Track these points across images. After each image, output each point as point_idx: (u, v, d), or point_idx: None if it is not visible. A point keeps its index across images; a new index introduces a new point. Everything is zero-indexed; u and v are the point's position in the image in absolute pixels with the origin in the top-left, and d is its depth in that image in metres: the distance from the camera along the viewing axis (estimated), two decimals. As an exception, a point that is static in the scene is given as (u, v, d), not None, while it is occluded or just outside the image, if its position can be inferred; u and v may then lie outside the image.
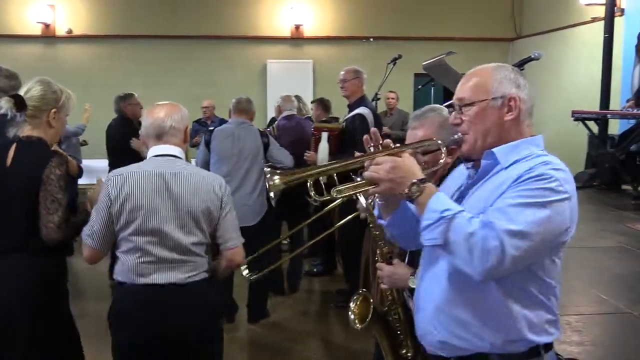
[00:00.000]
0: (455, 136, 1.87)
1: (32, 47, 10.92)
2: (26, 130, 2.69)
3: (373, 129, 1.90)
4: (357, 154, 1.87)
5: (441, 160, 1.93)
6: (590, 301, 3.50)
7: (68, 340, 2.84)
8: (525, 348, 1.78)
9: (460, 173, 2.01)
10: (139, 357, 2.60)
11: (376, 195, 1.84)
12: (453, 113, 1.87)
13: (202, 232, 2.64)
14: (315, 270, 6.59)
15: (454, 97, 1.88)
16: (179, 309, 2.56)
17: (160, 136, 2.65)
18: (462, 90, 1.86)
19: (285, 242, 6.07)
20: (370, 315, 2.65)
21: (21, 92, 2.71)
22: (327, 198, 1.81)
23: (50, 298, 2.71)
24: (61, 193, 2.63)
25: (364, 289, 2.85)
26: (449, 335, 1.83)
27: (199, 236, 2.63)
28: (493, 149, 1.81)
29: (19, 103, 2.63)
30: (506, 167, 1.78)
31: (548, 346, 1.82)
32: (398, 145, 1.86)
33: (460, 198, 1.87)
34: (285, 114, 6.18)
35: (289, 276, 5.92)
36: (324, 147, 5.36)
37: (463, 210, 1.68)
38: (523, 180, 1.69)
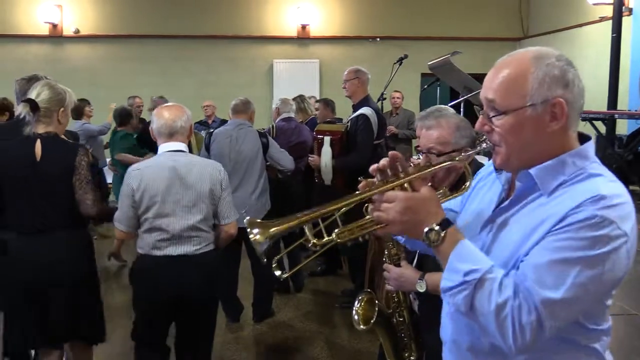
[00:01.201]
0: (484, 145, 1.54)
1: (39, 47, 10.98)
2: (41, 128, 3.11)
3: (393, 153, 1.53)
4: (362, 183, 1.53)
5: (467, 183, 1.64)
6: (595, 302, 3.48)
7: (101, 306, 3.40)
8: None
9: (491, 180, 1.68)
10: (156, 310, 3.20)
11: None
12: (480, 117, 1.51)
13: (208, 211, 3.19)
14: (319, 269, 6.59)
15: (481, 94, 1.51)
16: (187, 274, 3.11)
17: (171, 135, 3.17)
18: (492, 87, 1.47)
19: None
20: (374, 317, 2.63)
21: (32, 96, 3.10)
22: (328, 241, 1.53)
23: (90, 266, 3.29)
24: (90, 176, 3.13)
25: (369, 290, 2.83)
26: None
27: (205, 215, 3.17)
28: (530, 170, 1.46)
29: (34, 107, 3.06)
30: (549, 194, 1.44)
31: None
32: (413, 172, 1.51)
33: (488, 223, 1.56)
34: (283, 116, 6.18)
35: (293, 276, 5.91)
36: (326, 150, 5.34)
37: (492, 268, 1.38)
38: (567, 225, 1.35)
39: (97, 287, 3.38)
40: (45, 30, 10.93)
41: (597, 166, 1.47)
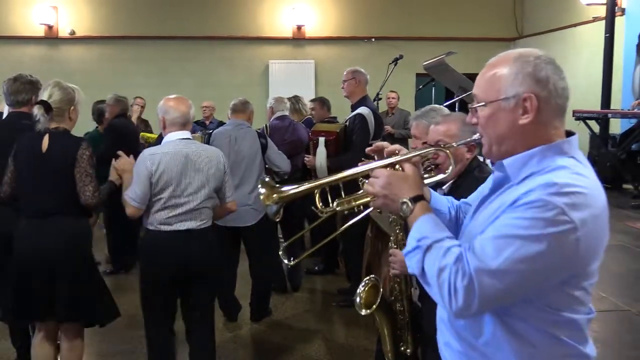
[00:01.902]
0: (475, 136, 1.69)
1: (35, 49, 10.98)
2: (53, 124, 3.42)
3: (378, 144, 1.79)
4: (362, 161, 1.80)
5: (448, 170, 1.79)
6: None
7: (103, 286, 3.66)
8: None
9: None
10: (164, 279, 3.52)
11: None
12: (470, 111, 1.67)
13: (212, 192, 3.59)
14: (316, 268, 6.62)
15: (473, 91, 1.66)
16: (192, 246, 3.50)
17: (184, 124, 3.58)
18: (478, 83, 1.62)
19: (281, 239, 6.09)
20: (377, 303, 2.66)
21: (44, 97, 3.41)
22: (330, 210, 1.77)
23: (86, 250, 3.56)
24: (92, 169, 3.38)
25: (375, 276, 2.84)
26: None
27: (210, 195, 3.58)
28: (503, 161, 1.59)
29: (47, 108, 3.36)
30: (518, 183, 1.54)
31: None
32: (402, 154, 1.72)
33: (474, 213, 1.70)
34: (277, 114, 6.20)
35: (290, 275, 5.95)
36: (321, 151, 5.38)
37: (445, 239, 1.51)
38: (517, 206, 1.45)
39: (93, 273, 3.61)
40: (40, 31, 10.94)
41: (570, 160, 1.52)
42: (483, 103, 1.58)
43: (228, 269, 5.08)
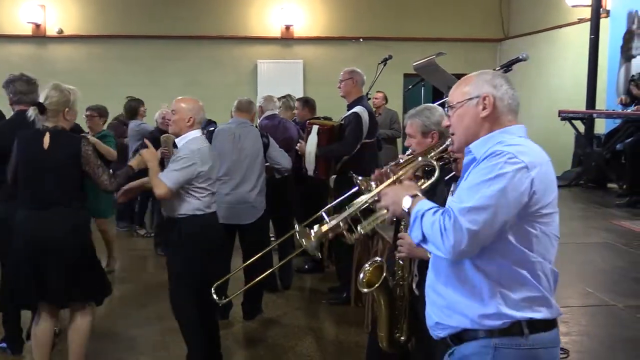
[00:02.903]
0: (448, 142, 2.21)
1: (22, 47, 10.93)
2: (50, 123, 3.69)
3: (378, 172, 2.38)
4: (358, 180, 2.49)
5: (433, 178, 2.25)
6: (577, 294, 3.61)
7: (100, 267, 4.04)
8: (505, 323, 1.88)
9: None
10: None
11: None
12: (446, 118, 2.16)
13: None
14: (306, 267, 6.67)
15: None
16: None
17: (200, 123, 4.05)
18: (450, 96, 2.09)
19: (272, 238, 6.14)
20: (379, 283, 2.71)
21: (42, 99, 3.70)
22: (358, 235, 2.29)
23: (88, 240, 3.87)
24: (99, 160, 3.73)
25: (382, 259, 2.87)
26: (440, 314, 2.01)
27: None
28: (469, 145, 2.02)
29: (42, 110, 3.65)
30: (481, 160, 1.91)
31: (535, 324, 1.90)
32: (398, 174, 2.23)
33: (453, 193, 2.19)
34: (267, 113, 6.23)
35: (280, 274, 5.99)
36: (312, 138, 5.45)
37: (434, 207, 1.89)
38: (477, 163, 1.90)
39: (91, 258, 3.88)
40: (28, 30, 10.88)
41: (518, 138, 1.95)
42: (455, 104, 2.05)
43: (221, 266, 5.10)
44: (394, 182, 2.17)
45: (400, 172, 2.24)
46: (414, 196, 1.98)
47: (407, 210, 1.96)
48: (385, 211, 2.10)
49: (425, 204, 1.92)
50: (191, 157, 3.78)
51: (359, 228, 2.24)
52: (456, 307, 1.95)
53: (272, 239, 6.18)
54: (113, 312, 5.32)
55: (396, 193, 2.03)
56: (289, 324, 5.21)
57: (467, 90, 2.03)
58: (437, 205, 1.91)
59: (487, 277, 1.89)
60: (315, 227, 2.27)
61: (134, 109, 7.78)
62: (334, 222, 2.24)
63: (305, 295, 6.08)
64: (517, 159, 1.82)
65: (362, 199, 2.21)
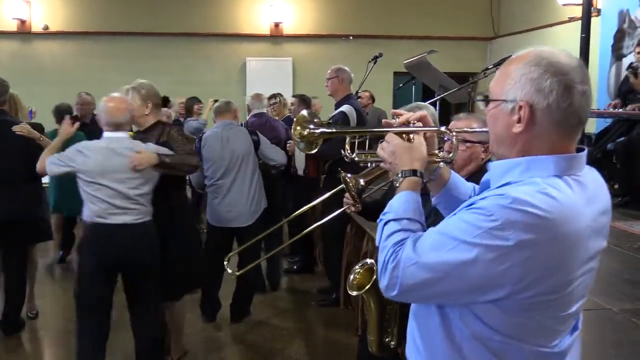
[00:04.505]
0: (485, 129, 1.61)
1: (7, 44, 10.76)
2: None
3: (393, 111, 1.84)
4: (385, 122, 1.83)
5: (451, 154, 1.77)
6: (570, 298, 3.55)
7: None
8: None
9: None
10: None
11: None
12: None
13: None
14: (295, 267, 6.59)
15: None
16: None
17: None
18: (495, 76, 1.54)
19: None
20: (370, 285, 2.61)
21: None
22: (350, 155, 1.89)
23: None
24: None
25: (373, 261, 2.78)
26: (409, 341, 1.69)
27: None
28: (491, 163, 1.54)
29: None
30: (486, 196, 1.42)
31: None
32: (418, 124, 1.73)
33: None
34: (254, 112, 6.17)
35: (269, 274, 5.91)
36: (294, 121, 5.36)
37: (402, 220, 1.52)
38: (466, 207, 1.42)
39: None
40: (13, 26, 10.70)
41: (553, 180, 1.40)
42: (489, 98, 1.51)
43: (217, 270, 5.01)
44: (403, 136, 1.70)
45: (420, 126, 1.74)
46: (409, 172, 1.61)
47: (395, 184, 1.63)
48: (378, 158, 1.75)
49: (402, 202, 1.56)
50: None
51: (355, 154, 1.90)
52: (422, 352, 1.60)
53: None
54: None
55: (397, 151, 1.65)
56: (277, 326, 5.12)
57: (504, 84, 1.46)
58: (409, 217, 1.54)
59: (449, 335, 1.50)
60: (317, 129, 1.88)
61: (189, 106, 8.21)
62: (331, 130, 1.90)
63: (293, 297, 5.99)
64: (504, 234, 1.32)
65: (372, 129, 1.96)
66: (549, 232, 1.33)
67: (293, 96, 7.13)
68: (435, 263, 1.38)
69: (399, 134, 1.70)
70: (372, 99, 8.92)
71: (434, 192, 1.83)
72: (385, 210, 1.58)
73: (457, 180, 1.83)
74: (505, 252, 1.32)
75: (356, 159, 1.88)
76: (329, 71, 5.40)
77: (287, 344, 4.77)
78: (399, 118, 1.76)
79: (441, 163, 1.78)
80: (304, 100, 6.80)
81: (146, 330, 3.81)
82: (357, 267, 2.73)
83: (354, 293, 2.67)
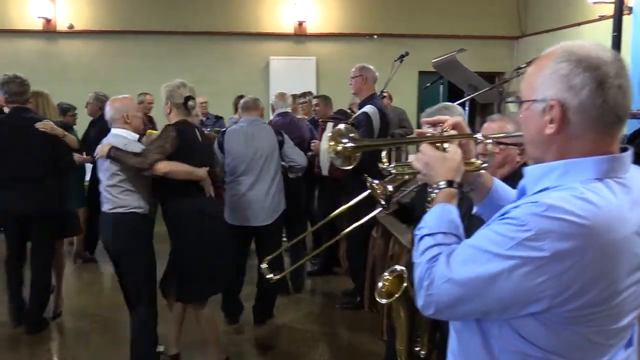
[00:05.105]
0: (520, 132, 1.53)
1: (32, 43, 10.80)
2: None
3: (431, 119, 1.76)
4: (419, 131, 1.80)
5: (485, 164, 1.69)
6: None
7: None
8: None
9: None
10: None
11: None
12: None
13: None
14: (315, 268, 6.50)
15: None
16: None
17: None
18: (525, 76, 1.45)
19: (285, 239, 6.00)
20: (399, 293, 2.51)
21: None
22: (388, 168, 1.84)
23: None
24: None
25: (404, 267, 2.68)
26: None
27: None
28: (526, 168, 1.45)
29: None
30: (521, 204, 1.34)
31: None
32: (452, 131, 1.68)
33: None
34: (278, 111, 6.11)
35: (292, 276, 5.83)
36: (327, 135, 5.31)
37: (437, 234, 1.45)
38: (499, 217, 1.34)
39: None
40: (38, 25, 10.74)
41: (594, 184, 1.30)
42: (522, 100, 1.42)
43: (235, 268, 4.96)
44: (436, 144, 1.64)
45: (449, 134, 1.69)
46: (449, 183, 1.54)
47: (432, 195, 1.58)
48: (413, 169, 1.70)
49: (436, 216, 1.50)
50: None
51: (392, 165, 1.85)
52: None
53: (284, 239, 6.03)
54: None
55: (431, 163, 1.58)
56: (300, 329, 5.04)
57: (534, 83, 1.38)
58: (443, 230, 1.46)
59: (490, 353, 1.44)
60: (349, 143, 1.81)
61: (234, 105, 8.13)
62: (365, 143, 1.93)
63: (317, 299, 5.91)
64: (538, 244, 1.24)
65: (405, 139, 1.97)
66: (587, 240, 1.24)
67: (315, 97, 7.06)
68: (468, 279, 1.32)
69: (433, 143, 1.65)
70: (390, 98, 8.81)
71: (476, 201, 1.74)
72: (420, 225, 1.52)
73: (501, 188, 1.74)
74: (541, 264, 1.24)
75: (393, 171, 1.83)
76: (353, 69, 5.30)
77: (311, 347, 4.68)
78: (432, 127, 1.72)
79: (482, 172, 1.71)
80: (328, 99, 6.78)
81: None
82: (386, 273, 2.63)
83: (383, 301, 2.57)
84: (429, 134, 1.71)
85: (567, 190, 1.29)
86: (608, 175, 1.32)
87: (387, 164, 1.84)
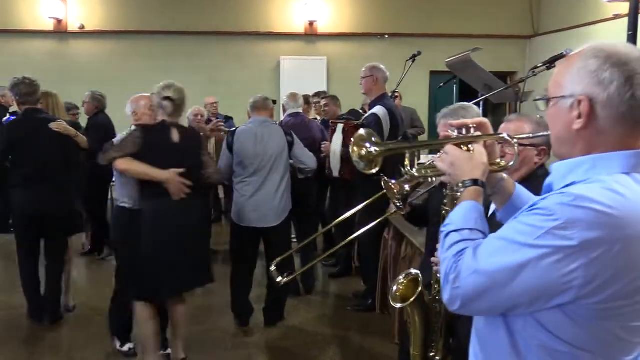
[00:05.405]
0: (547, 132, 1.54)
1: (44, 43, 10.83)
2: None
3: (456, 122, 1.75)
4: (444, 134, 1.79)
5: (512, 162, 1.67)
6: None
7: None
8: None
9: None
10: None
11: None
12: None
13: None
14: (337, 269, 6.45)
15: None
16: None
17: None
18: (551, 79, 1.47)
19: (294, 240, 5.97)
20: (414, 297, 2.45)
21: None
22: (410, 171, 1.89)
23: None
24: None
25: (416, 270, 2.62)
26: None
27: None
28: (553, 164, 1.46)
29: None
30: (547, 196, 1.36)
31: None
32: (475, 133, 1.70)
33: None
34: (290, 111, 6.06)
35: (303, 278, 5.78)
36: (337, 137, 5.28)
37: (463, 230, 1.46)
38: (527, 209, 1.35)
39: None
40: (49, 25, 10.77)
41: (621, 177, 1.31)
42: (549, 98, 1.43)
43: (244, 271, 4.93)
44: (462, 145, 1.67)
45: (474, 135, 1.71)
46: (472, 182, 1.56)
47: (458, 194, 1.61)
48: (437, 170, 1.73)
49: (463, 213, 1.51)
50: None
51: (414, 169, 1.89)
52: None
53: (294, 240, 5.98)
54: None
55: (457, 163, 1.61)
56: (311, 331, 4.98)
57: (562, 81, 1.39)
58: (469, 227, 1.47)
59: (516, 351, 1.43)
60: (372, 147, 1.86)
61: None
62: (389, 147, 1.90)
63: (328, 301, 5.86)
64: (567, 233, 1.24)
65: (429, 142, 2.02)
66: (615, 230, 1.24)
67: (323, 97, 7.01)
68: (496, 269, 1.31)
69: (458, 144, 1.66)
70: (400, 98, 8.75)
71: (498, 205, 1.74)
72: (446, 222, 1.53)
73: (523, 193, 1.74)
74: (570, 253, 1.24)
75: (416, 174, 1.85)
76: (363, 69, 5.23)
77: (322, 350, 4.63)
78: (456, 130, 1.72)
79: (504, 175, 1.70)
80: (337, 99, 6.72)
81: None
82: (400, 277, 2.57)
83: (398, 305, 2.51)
84: (455, 136, 1.71)
85: (595, 183, 1.30)
86: (635, 170, 1.33)
87: (409, 167, 1.85)
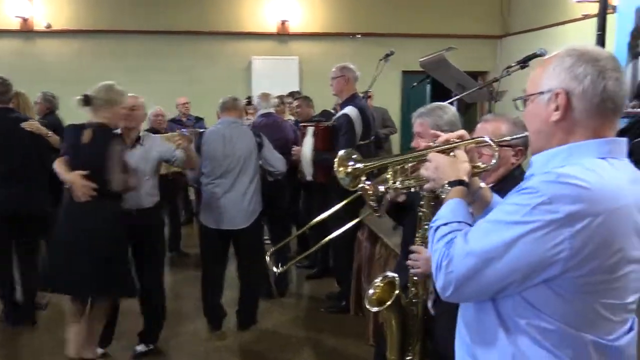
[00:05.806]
0: (525, 133, 1.65)
1: (9, 42, 10.59)
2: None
3: (440, 139, 1.85)
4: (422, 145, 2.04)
5: (493, 161, 1.78)
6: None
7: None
8: None
9: None
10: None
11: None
12: None
13: None
14: (314, 271, 6.39)
15: None
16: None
17: None
18: (528, 82, 1.58)
19: (267, 242, 5.90)
20: (391, 301, 2.41)
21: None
22: (394, 186, 2.01)
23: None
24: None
25: (393, 274, 2.58)
26: (460, 354, 1.68)
27: None
28: (533, 157, 1.55)
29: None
30: (524, 187, 1.46)
31: None
32: (456, 140, 1.80)
33: None
34: (261, 111, 6.00)
35: (276, 280, 5.72)
36: (308, 140, 5.21)
37: (452, 222, 1.54)
38: (514, 192, 1.45)
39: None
40: (15, 24, 10.52)
41: (597, 161, 1.42)
42: (526, 97, 1.55)
43: (215, 274, 4.85)
44: (445, 152, 1.77)
45: (460, 141, 1.80)
46: (455, 182, 1.65)
47: (443, 197, 1.67)
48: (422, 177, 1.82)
49: (451, 209, 1.59)
50: None
51: (398, 182, 2.00)
52: (474, 351, 1.59)
53: (267, 242, 5.92)
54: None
55: (441, 166, 1.70)
56: (284, 334, 4.92)
57: (539, 80, 1.50)
58: (458, 220, 1.55)
59: (505, 330, 1.49)
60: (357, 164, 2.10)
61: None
62: (372, 164, 2.09)
63: (301, 303, 5.80)
64: (551, 207, 1.33)
65: (414, 153, 1.96)
66: (597, 204, 1.35)
67: (296, 98, 6.95)
68: (487, 249, 1.39)
69: (441, 151, 1.77)
70: (371, 98, 8.75)
71: (477, 213, 1.79)
72: (435, 218, 1.61)
73: (499, 201, 1.78)
74: (556, 226, 1.33)
75: (399, 186, 1.97)
76: (333, 69, 5.18)
77: (296, 353, 4.58)
78: (437, 139, 1.84)
79: (482, 183, 1.79)
80: (309, 99, 6.68)
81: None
82: (377, 280, 2.54)
83: (374, 309, 2.48)
84: (435, 145, 1.83)
85: (574, 165, 1.41)
86: (610, 155, 1.45)
87: (392, 181, 1.96)
